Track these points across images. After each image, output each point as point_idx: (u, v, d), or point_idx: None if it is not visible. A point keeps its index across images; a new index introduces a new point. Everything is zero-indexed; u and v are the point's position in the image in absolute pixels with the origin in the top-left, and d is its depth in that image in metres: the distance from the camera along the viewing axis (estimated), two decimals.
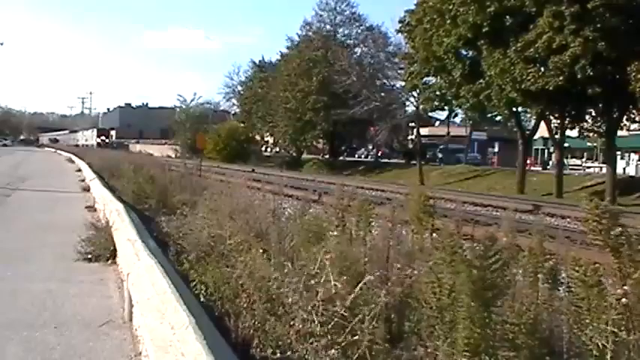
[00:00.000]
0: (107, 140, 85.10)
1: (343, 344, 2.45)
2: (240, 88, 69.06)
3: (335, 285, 2.61)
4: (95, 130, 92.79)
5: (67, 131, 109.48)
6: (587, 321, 2.10)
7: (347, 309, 2.53)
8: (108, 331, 3.87)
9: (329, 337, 2.49)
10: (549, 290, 2.52)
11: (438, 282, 2.30)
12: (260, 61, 65.11)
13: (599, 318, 2.09)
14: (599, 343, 2.06)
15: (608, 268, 2.18)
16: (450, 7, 24.64)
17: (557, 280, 2.53)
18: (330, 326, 2.51)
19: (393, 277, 2.59)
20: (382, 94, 42.06)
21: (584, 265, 2.19)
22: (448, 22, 25.05)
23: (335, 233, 2.98)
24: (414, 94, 36.31)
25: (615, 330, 2.05)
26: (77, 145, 77.90)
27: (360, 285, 2.54)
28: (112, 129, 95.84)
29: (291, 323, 2.60)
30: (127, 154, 31.78)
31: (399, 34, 34.17)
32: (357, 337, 2.42)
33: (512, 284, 2.51)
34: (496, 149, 53.30)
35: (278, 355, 2.64)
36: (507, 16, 23.02)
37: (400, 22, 31.68)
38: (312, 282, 2.71)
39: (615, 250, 2.10)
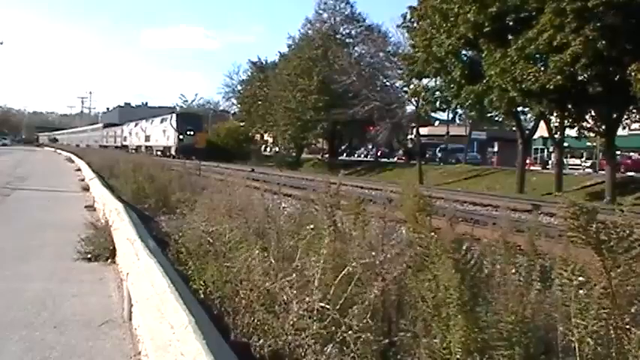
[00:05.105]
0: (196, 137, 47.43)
1: (338, 340, 2.46)
2: (239, 87, 69.06)
3: (319, 281, 2.63)
4: (173, 117, 49.01)
5: (97, 125, 78.01)
6: (580, 320, 2.12)
7: (338, 306, 2.54)
8: (107, 330, 3.88)
9: (324, 333, 2.50)
10: (542, 289, 2.53)
11: (434, 279, 2.31)
12: (258, 62, 65.14)
13: (586, 316, 2.11)
14: (589, 341, 2.08)
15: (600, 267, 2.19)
16: (452, 6, 24.61)
17: (549, 278, 2.54)
18: (326, 322, 2.52)
19: (383, 271, 2.60)
20: (382, 93, 42.04)
21: (572, 264, 2.21)
22: (450, 22, 25.01)
23: (311, 227, 2.99)
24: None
25: (602, 325, 2.06)
26: (123, 147, 49.72)
27: (339, 278, 2.55)
28: None
29: (290, 322, 2.61)
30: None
31: (400, 31, 34.36)
32: (350, 333, 2.42)
33: (495, 281, 2.51)
34: (496, 149, 53.39)
35: (276, 353, 2.65)
36: (509, 15, 23.00)
37: (403, 17, 31.76)
38: (305, 281, 2.72)
39: (596, 248, 2.12)
